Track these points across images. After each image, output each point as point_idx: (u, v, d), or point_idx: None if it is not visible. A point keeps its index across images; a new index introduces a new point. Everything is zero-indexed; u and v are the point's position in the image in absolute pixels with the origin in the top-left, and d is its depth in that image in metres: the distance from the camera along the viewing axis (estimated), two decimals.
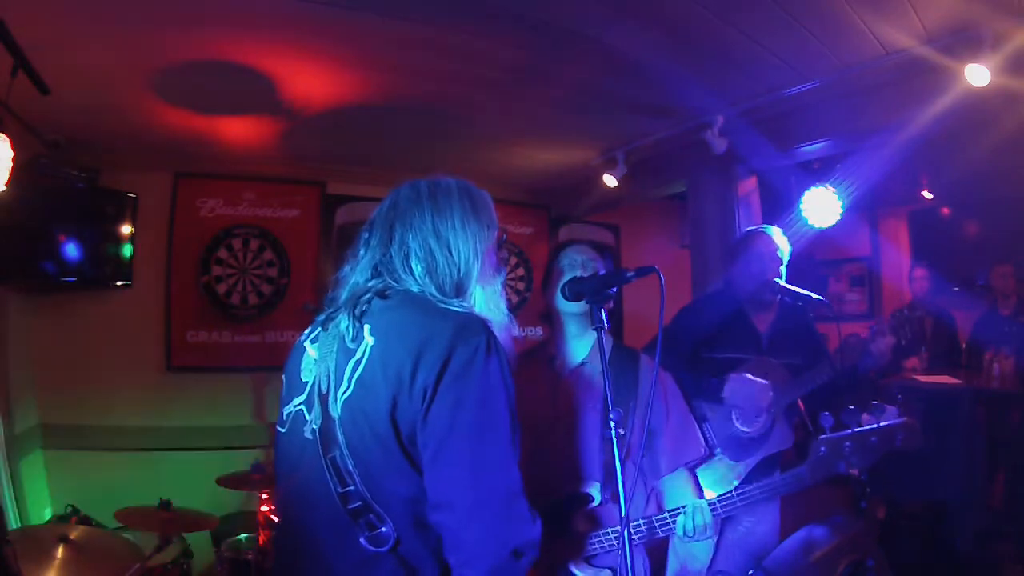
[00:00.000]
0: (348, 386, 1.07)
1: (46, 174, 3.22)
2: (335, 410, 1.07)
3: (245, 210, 4.17)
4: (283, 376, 1.25)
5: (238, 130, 3.56)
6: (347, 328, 1.11)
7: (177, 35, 2.43)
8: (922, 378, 3.74)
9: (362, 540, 1.01)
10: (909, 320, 2.28)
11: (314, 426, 1.09)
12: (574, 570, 1.56)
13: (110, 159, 3.65)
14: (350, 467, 1.03)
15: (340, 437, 1.04)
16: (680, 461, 1.71)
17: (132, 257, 3.80)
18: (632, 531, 1.54)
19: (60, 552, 2.12)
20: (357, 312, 1.12)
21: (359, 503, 1.02)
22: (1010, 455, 3.50)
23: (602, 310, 1.42)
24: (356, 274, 1.19)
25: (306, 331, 1.25)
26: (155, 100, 3.02)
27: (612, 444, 1.29)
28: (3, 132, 2.22)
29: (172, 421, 3.86)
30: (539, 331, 3.78)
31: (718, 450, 2.27)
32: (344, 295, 1.18)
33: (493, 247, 1.24)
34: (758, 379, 2.22)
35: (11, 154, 2.26)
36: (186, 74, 2.75)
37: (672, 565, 2.19)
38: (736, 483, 2.02)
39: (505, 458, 1.03)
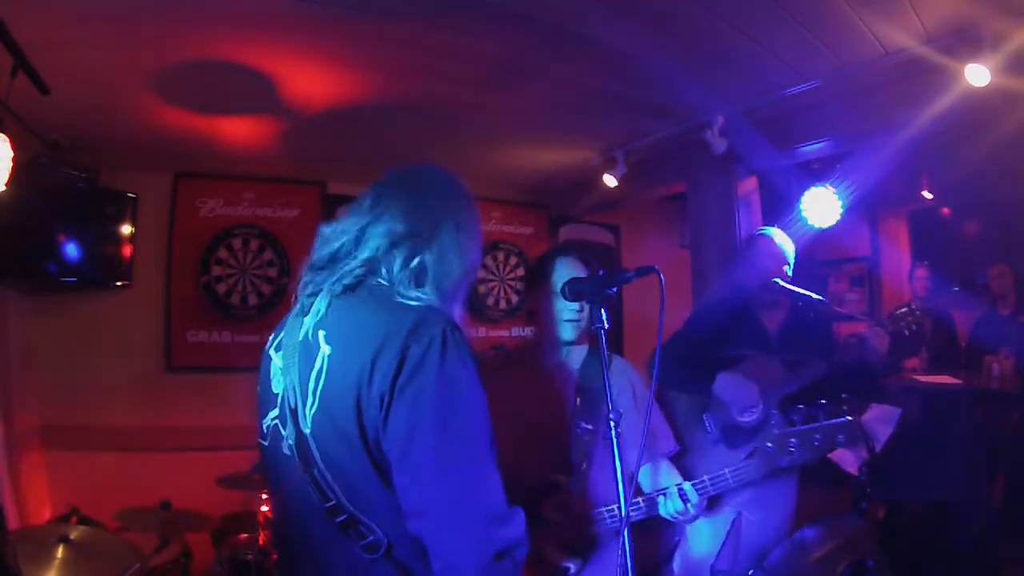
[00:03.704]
0: (313, 401, 1.03)
1: (46, 174, 3.22)
2: (306, 426, 1.03)
3: (245, 210, 4.17)
4: (258, 387, 1.19)
5: (238, 130, 3.56)
6: (302, 336, 1.07)
7: (177, 35, 2.43)
8: (922, 378, 3.73)
9: (356, 549, 1.00)
10: (909, 314, 2.29)
11: (290, 442, 1.06)
12: (546, 555, 1.59)
13: (110, 159, 3.65)
14: (330, 482, 1.00)
15: (316, 453, 1.01)
16: (651, 455, 1.80)
17: (132, 257, 3.80)
18: (607, 514, 1.63)
19: (60, 552, 2.12)
20: (310, 318, 1.08)
21: (345, 516, 1.00)
22: (1010, 455, 3.50)
23: (602, 310, 1.42)
24: (313, 273, 1.14)
25: (271, 337, 1.19)
26: (155, 100, 3.02)
27: (612, 443, 1.31)
28: (3, 132, 2.22)
29: (172, 421, 3.86)
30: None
31: (716, 437, 2.33)
32: (301, 298, 1.14)
33: (470, 239, 1.17)
34: (745, 376, 2.31)
35: (11, 154, 2.26)
36: (186, 74, 2.75)
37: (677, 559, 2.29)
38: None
39: (474, 456, 0.98)
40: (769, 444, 1.55)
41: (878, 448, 2.15)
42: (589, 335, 1.79)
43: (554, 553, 1.59)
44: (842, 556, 1.93)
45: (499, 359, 1.98)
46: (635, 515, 1.65)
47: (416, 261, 1.09)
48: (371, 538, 0.99)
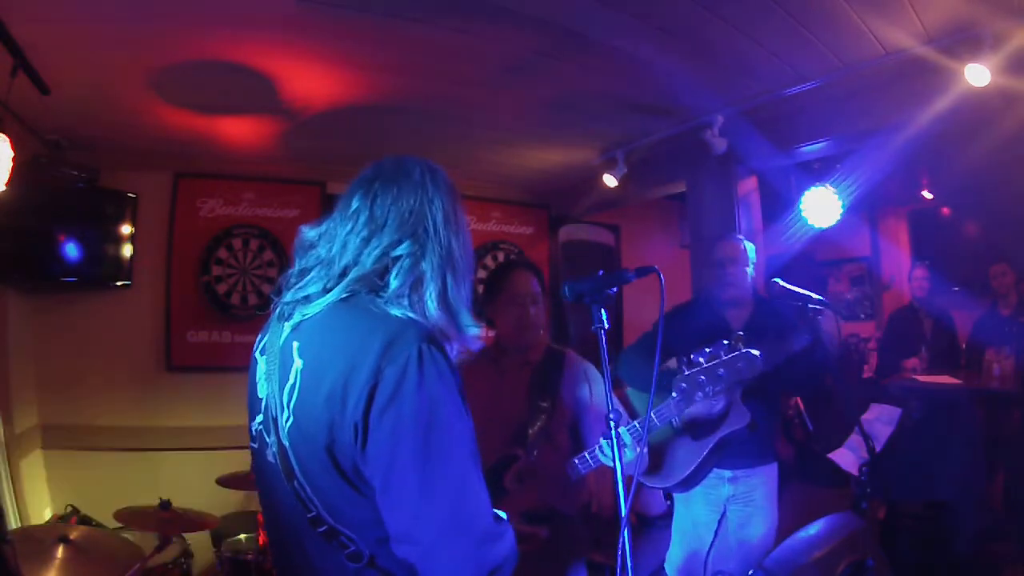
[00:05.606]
0: (288, 414, 1.00)
1: (46, 174, 3.22)
2: (285, 437, 1.00)
3: (245, 210, 4.17)
4: (248, 388, 1.16)
5: (238, 130, 3.56)
6: (282, 343, 1.05)
7: (177, 35, 2.43)
8: (922, 378, 3.73)
9: (342, 558, 0.99)
10: (858, 300, 2.37)
11: (273, 450, 1.03)
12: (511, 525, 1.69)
13: (110, 159, 3.65)
14: (310, 494, 0.98)
15: (295, 465, 0.99)
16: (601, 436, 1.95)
17: (132, 257, 3.80)
18: (579, 463, 1.87)
19: (60, 552, 2.11)
20: (286, 327, 1.05)
21: (326, 527, 0.98)
22: (1010, 455, 3.50)
23: (602, 310, 1.43)
24: (295, 279, 1.09)
25: (258, 338, 1.15)
26: (155, 100, 3.02)
27: (612, 442, 1.34)
28: (3, 132, 2.22)
29: (172, 421, 3.86)
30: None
31: (681, 430, 2.37)
32: (281, 303, 1.09)
33: (458, 233, 1.10)
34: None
35: (11, 154, 2.26)
36: (186, 74, 2.75)
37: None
38: (699, 460, 2.26)
39: (461, 476, 0.94)
40: (683, 384, 1.71)
41: (878, 448, 2.15)
42: (544, 336, 2.11)
43: (516, 522, 1.64)
44: (842, 556, 1.93)
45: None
46: (583, 468, 1.87)
47: (404, 265, 1.03)
48: (352, 548, 0.98)
